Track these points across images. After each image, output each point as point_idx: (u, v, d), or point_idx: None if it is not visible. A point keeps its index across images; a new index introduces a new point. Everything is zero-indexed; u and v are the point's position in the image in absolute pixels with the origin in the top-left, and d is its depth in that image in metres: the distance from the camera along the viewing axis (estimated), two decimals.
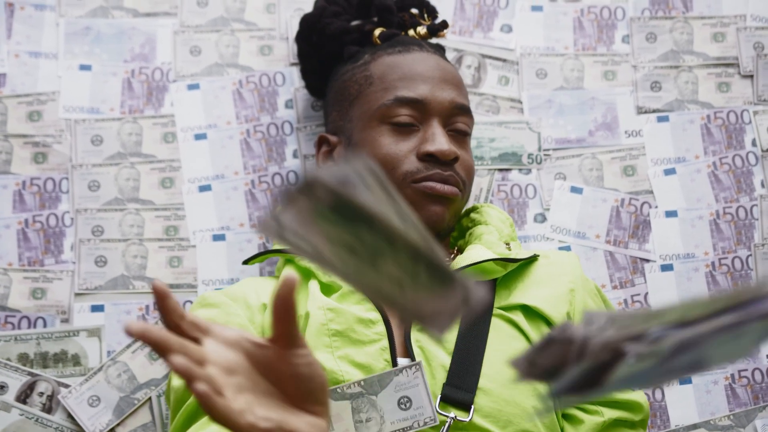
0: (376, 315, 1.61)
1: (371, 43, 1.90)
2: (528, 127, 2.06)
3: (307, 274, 1.71)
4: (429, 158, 1.73)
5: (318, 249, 1.05)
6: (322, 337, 1.58)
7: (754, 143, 2.07)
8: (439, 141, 1.74)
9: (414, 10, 1.97)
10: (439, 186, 1.73)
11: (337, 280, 1.47)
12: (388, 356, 1.57)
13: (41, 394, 1.88)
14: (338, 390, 1.45)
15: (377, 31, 1.89)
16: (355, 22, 1.93)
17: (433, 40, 1.98)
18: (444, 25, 1.94)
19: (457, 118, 1.80)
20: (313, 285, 1.67)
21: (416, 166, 1.73)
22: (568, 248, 2.00)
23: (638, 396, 1.69)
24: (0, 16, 2.06)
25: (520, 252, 1.75)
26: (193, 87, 2.07)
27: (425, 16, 1.97)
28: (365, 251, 1.04)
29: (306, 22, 1.96)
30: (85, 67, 2.06)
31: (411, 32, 1.92)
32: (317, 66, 1.97)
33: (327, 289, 1.67)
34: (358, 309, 1.62)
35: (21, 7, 2.07)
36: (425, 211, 1.72)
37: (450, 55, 2.06)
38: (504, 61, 2.12)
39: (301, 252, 1.06)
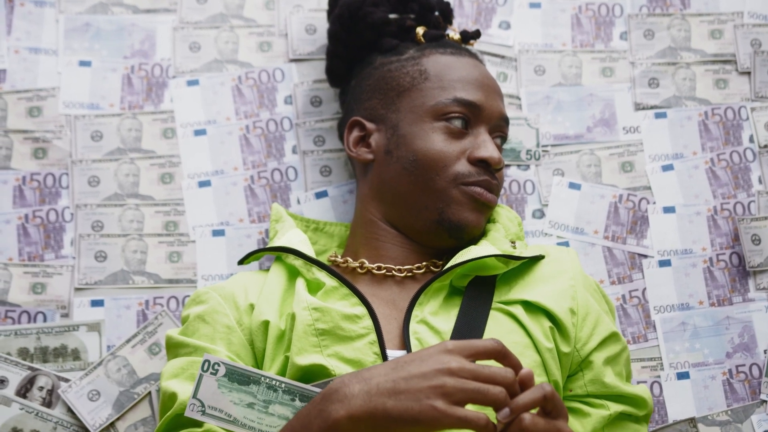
0: (361, 309, 1.62)
1: (410, 39, 1.91)
2: (526, 123, 2.07)
3: (293, 272, 1.72)
4: (480, 164, 1.75)
5: (230, 414, 1.44)
6: (309, 337, 1.58)
7: (751, 139, 2.07)
8: (491, 148, 1.76)
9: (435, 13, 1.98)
10: (486, 194, 1.75)
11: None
12: (377, 349, 1.58)
13: (41, 388, 1.88)
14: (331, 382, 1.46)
15: (421, 30, 1.90)
16: (392, 15, 1.93)
17: None
18: (477, 34, 1.95)
19: (500, 130, 1.83)
20: (300, 283, 1.67)
21: (468, 170, 1.74)
22: (566, 244, 2.01)
23: (643, 391, 1.70)
24: (0, 12, 2.07)
25: (524, 251, 1.76)
26: (192, 83, 2.08)
27: (451, 20, 1.99)
28: (260, 403, 1.44)
29: (348, 6, 1.93)
30: (84, 63, 2.07)
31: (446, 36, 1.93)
32: (345, 51, 1.97)
33: (313, 286, 1.68)
34: (342, 305, 1.62)
35: (21, 3, 2.08)
36: (466, 214, 1.74)
37: None
38: (502, 57, 2.12)
39: (220, 422, 1.44)
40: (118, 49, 2.09)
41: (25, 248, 1.97)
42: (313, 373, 1.55)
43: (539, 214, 2.04)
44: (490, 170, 1.76)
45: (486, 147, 1.76)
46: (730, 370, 1.95)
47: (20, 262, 1.96)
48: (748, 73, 2.12)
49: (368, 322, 1.60)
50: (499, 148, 1.83)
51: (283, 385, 1.45)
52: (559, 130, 2.08)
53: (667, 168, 2.06)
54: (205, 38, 2.10)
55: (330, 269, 1.68)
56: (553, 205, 2.04)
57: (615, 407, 1.66)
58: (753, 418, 1.93)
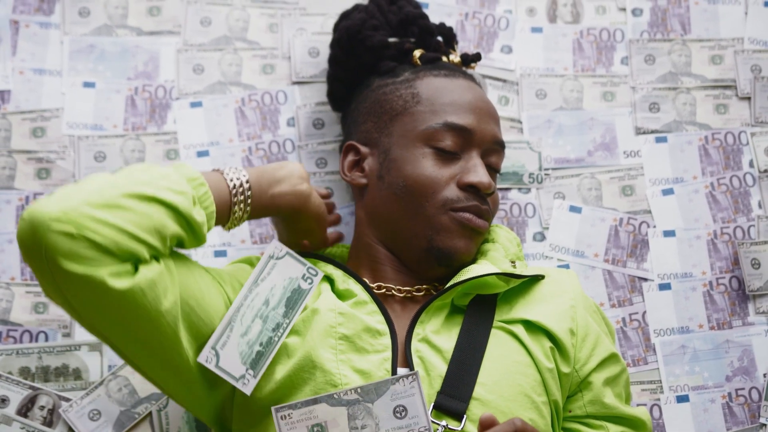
0: (384, 328, 1.63)
1: (408, 62, 1.91)
2: (528, 147, 2.08)
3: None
4: (469, 189, 1.74)
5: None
6: (328, 338, 1.60)
7: (751, 164, 2.08)
8: (481, 173, 1.74)
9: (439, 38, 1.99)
10: (475, 219, 1.74)
11: None
12: (389, 366, 1.59)
13: (42, 407, 1.88)
14: (335, 396, 1.46)
15: (418, 52, 1.90)
16: (392, 39, 1.94)
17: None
18: (478, 57, 1.95)
19: (493, 154, 1.81)
20: (325, 286, 1.70)
21: (457, 195, 1.74)
22: (566, 267, 2.01)
23: (642, 413, 1.70)
24: (5, 33, 2.08)
25: (524, 270, 1.76)
26: (195, 105, 2.09)
27: (454, 45, 1.99)
28: (265, 313, 1.64)
29: (347, 30, 1.94)
30: (88, 84, 2.08)
31: (444, 58, 1.93)
32: (345, 74, 1.98)
33: (340, 296, 1.69)
34: (368, 318, 1.64)
35: (26, 25, 2.09)
36: (455, 241, 1.74)
37: None
38: (504, 81, 2.13)
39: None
40: (122, 70, 2.10)
41: (27, 268, 1.97)
42: (315, 365, 1.59)
43: (540, 236, 2.05)
44: (480, 195, 1.75)
45: (476, 172, 1.75)
46: (729, 394, 1.95)
47: (22, 281, 1.96)
48: (749, 99, 2.13)
49: (387, 340, 1.62)
50: (490, 173, 1.81)
51: (283, 334, 1.63)
52: (560, 153, 2.09)
53: (668, 192, 2.06)
54: (208, 60, 2.11)
55: (366, 285, 1.70)
56: (554, 228, 2.05)
57: (614, 429, 1.66)
58: None
